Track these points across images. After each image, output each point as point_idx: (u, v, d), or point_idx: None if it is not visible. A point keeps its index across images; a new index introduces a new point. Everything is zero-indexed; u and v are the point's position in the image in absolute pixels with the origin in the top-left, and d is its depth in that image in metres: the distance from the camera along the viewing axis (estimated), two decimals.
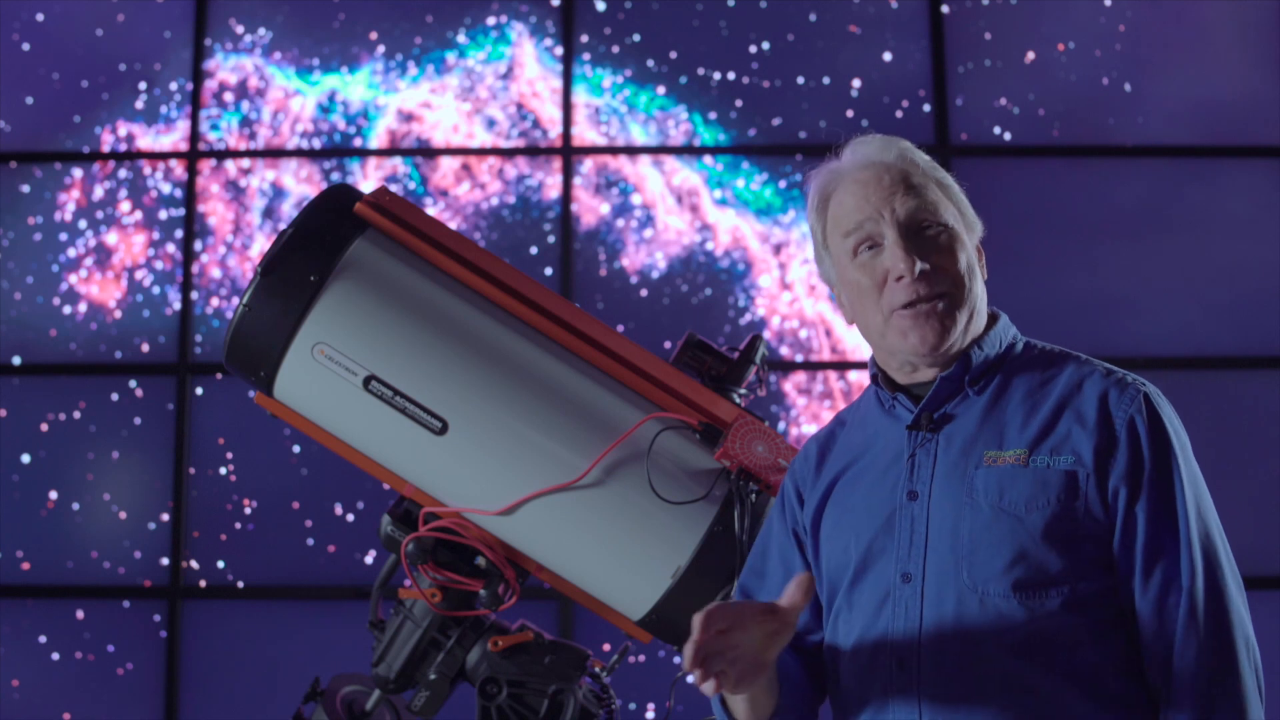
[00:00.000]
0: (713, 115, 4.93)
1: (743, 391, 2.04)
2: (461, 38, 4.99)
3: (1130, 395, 1.60)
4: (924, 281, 1.61)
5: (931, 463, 1.63)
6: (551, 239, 4.86)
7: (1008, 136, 4.90)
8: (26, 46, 4.99)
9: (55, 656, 4.66)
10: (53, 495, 4.74)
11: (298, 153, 4.92)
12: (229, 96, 4.97)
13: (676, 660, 4.38)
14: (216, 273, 4.87)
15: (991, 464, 1.59)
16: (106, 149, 4.93)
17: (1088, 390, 1.61)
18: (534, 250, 4.85)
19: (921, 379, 1.68)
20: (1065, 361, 1.67)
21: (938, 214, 1.66)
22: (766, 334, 4.79)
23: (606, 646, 4.06)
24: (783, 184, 4.90)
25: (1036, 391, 1.63)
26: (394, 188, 4.37)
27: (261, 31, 5.00)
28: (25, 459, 4.76)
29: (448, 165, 4.93)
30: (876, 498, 1.65)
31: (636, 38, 4.98)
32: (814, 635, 1.74)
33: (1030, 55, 4.96)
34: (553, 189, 4.89)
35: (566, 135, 4.90)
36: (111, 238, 4.89)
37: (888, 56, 4.96)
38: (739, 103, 4.93)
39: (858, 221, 1.66)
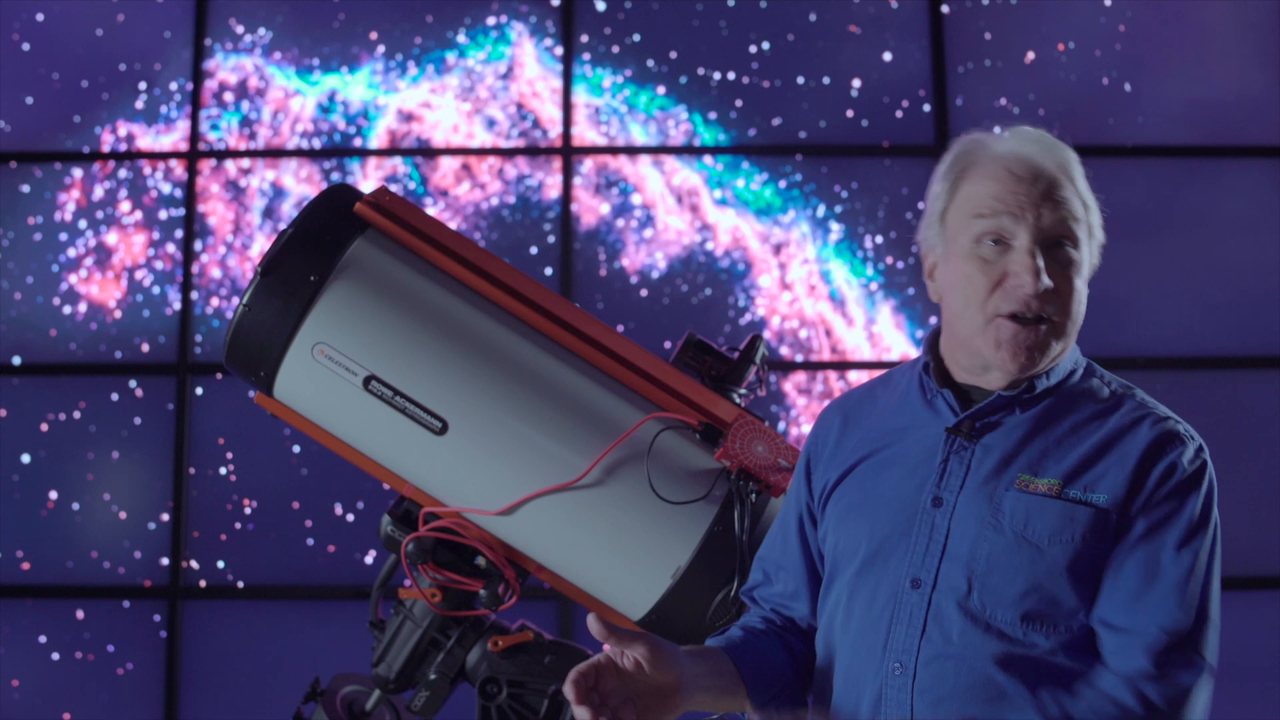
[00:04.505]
0: (713, 115, 4.93)
1: (743, 391, 2.03)
2: (461, 38, 4.99)
3: (1178, 446, 1.58)
4: (1041, 298, 1.57)
5: (964, 472, 1.60)
6: (551, 239, 4.86)
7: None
8: (26, 46, 4.99)
9: (55, 656, 4.66)
10: (53, 495, 4.74)
11: (298, 153, 4.92)
12: (229, 96, 4.97)
13: None
14: (216, 273, 4.87)
15: (1023, 489, 1.56)
16: (106, 149, 4.93)
17: (1139, 434, 1.58)
18: (534, 250, 4.85)
19: (978, 384, 1.65)
20: (1123, 399, 1.63)
21: (1075, 235, 1.60)
22: (766, 334, 4.79)
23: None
24: (783, 184, 4.90)
25: (1085, 424, 1.60)
26: (394, 188, 4.37)
27: (261, 31, 5.00)
28: (25, 459, 4.76)
29: (448, 165, 4.93)
30: (901, 493, 1.62)
31: (636, 38, 4.98)
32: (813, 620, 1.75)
33: (1030, 55, 4.96)
34: (553, 189, 4.89)
35: (566, 135, 4.90)
36: (111, 238, 4.89)
37: (888, 56, 4.96)
38: (739, 103, 4.93)
39: (994, 209, 1.59)
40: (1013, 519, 1.55)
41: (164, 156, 4.92)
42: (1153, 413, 1.62)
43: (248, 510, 4.73)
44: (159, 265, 4.88)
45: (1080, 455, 1.57)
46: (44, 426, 4.78)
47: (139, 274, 4.87)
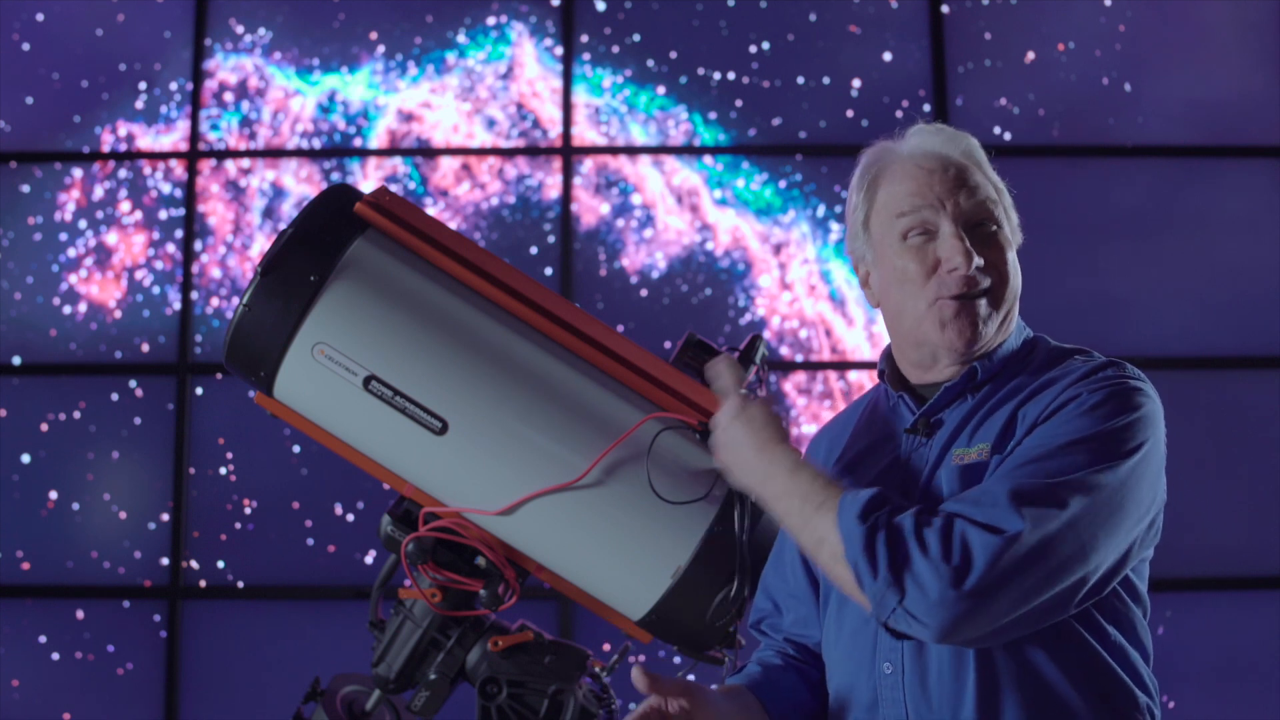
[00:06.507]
0: (713, 115, 4.94)
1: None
2: (461, 38, 4.99)
3: (1096, 375, 1.58)
4: (977, 275, 1.61)
5: (923, 467, 1.63)
6: (551, 239, 4.86)
7: (1008, 136, 4.90)
8: (26, 46, 4.99)
9: (55, 656, 4.66)
10: (53, 495, 4.74)
11: (298, 153, 4.92)
12: (229, 96, 4.97)
13: (677, 660, 4.38)
14: (216, 273, 4.87)
15: (956, 463, 1.58)
16: (106, 149, 4.93)
17: (1065, 379, 1.59)
18: (534, 250, 4.85)
19: (932, 379, 1.67)
20: (1064, 356, 1.65)
21: (995, 215, 1.65)
22: (766, 334, 4.79)
23: (606, 646, 4.07)
24: (783, 184, 4.90)
25: (1021, 388, 1.62)
26: (394, 188, 4.37)
27: (261, 31, 5.00)
28: (25, 459, 4.76)
29: (448, 165, 4.93)
30: None
31: (636, 38, 4.98)
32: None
33: (1030, 55, 4.96)
34: (553, 189, 4.89)
35: (566, 135, 4.90)
36: (111, 238, 4.89)
37: (888, 56, 4.96)
38: (739, 103, 4.93)
39: (915, 205, 1.64)
40: (948, 493, 1.56)
41: (164, 156, 4.92)
42: (1092, 362, 1.62)
43: (248, 510, 4.73)
44: (159, 265, 4.88)
45: (1008, 413, 1.59)
46: (44, 426, 4.78)
47: (139, 274, 4.87)
